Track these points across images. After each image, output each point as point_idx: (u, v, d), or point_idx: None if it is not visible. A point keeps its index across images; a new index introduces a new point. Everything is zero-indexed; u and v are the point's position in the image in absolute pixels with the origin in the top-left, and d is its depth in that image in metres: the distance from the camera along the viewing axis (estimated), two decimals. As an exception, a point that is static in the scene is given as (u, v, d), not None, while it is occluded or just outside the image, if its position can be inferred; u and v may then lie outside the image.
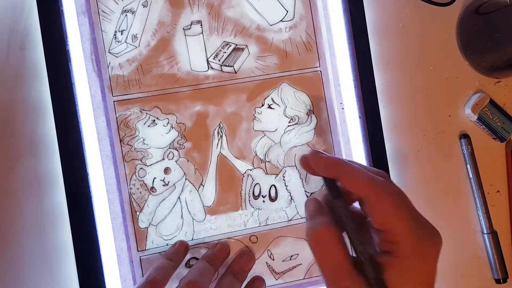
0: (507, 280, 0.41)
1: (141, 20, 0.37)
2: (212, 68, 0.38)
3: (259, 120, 0.38)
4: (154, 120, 0.37)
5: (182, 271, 0.37)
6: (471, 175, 0.42)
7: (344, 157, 0.39)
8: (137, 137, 0.37)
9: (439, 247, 0.29)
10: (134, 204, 0.37)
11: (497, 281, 0.41)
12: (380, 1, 0.41)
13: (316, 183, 0.39)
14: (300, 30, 0.39)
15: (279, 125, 0.39)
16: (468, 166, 0.41)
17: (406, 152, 0.41)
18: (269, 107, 0.39)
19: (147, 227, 0.37)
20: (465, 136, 0.41)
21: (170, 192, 0.37)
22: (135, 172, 0.37)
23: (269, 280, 0.38)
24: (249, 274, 0.38)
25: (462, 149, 0.42)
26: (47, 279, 0.36)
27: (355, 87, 0.39)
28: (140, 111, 0.37)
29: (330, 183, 0.29)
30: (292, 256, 0.39)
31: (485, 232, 0.41)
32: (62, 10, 0.36)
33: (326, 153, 0.30)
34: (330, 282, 0.29)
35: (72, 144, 0.35)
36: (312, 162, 0.30)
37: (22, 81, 0.36)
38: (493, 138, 0.42)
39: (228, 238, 0.38)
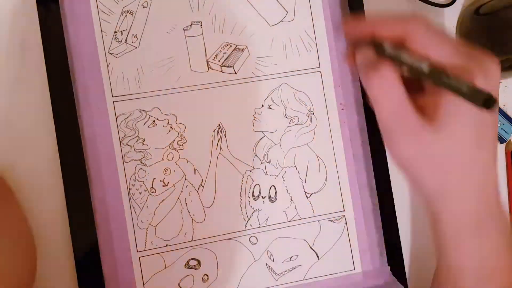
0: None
1: (141, 20, 0.37)
2: (212, 69, 0.38)
3: (259, 121, 0.38)
4: (154, 121, 0.37)
5: (182, 271, 0.37)
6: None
7: (344, 157, 0.39)
8: (137, 137, 0.37)
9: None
10: (134, 204, 0.36)
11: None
12: (380, 1, 0.41)
13: (316, 183, 0.39)
14: (300, 31, 0.39)
15: (279, 125, 0.39)
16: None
17: (406, 153, 0.41)
18: (269, 107, 0.39)
19: (147, 228, 0.37)
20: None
21: (169, 192, 0.37)
22: (135, 172, 0.37)
23: (269, 281, 0.38)
24: (248, 276, 0.38)
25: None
26: (46, 279, 0.36)
27: (355, 88, 0.39)
28: (140, 112, 0.37)
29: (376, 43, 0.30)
30: (292, 257, 0.39)
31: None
32: (62, 10, 0.36)
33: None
34: (394, 125, 0.28)
35: (72, 144, 0.35)
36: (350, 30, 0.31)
37: (22, 81, 0.36)
38: (493, 139, 0.42)
39: (227, 239, 0.38)
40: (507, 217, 0.32)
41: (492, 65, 0.29)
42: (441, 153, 0.28)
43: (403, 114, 0.28)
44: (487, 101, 0.25)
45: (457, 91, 0.26)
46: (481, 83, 0.27)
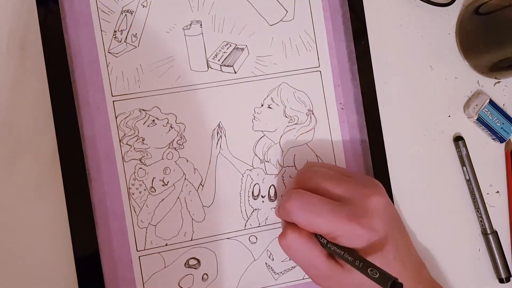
0: (510, 279, 0.42)
1: (140, 20, 0.37)
2: (211, 68, 0.38)
3: (258, 120, 0.38)
4: (153, 120, 0.37)
5: (181, 270, 0.37)
6: (467, 177, 0.42)
7: (344, 157, 0.39)
8: (137, 137, 0.37)
9: (375, 207, 0.33)
10: (133, 204, 0.37)
11: (501, 281, 0.42)
12: (380, 1, 0.41)
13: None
14: (300, 30, 0.39)
15: (279, 125, 0.39)
16: (465, 168, 0.41)
17: (405, 153, 0.41)
18: (269, 107, 0.39)
19: (146, 227, 0.37)
20: (459, 138, 0.41)
21: (169, 192, 0.37)
22: (135, 172, 0.37)
23: (269, 280, 0.38)
24: (247, 275, 0.38)
25: (458, 152, 0.42)
26: (47, 279, 0.36)
27: (354, 87, 0.39)
28: (140, 111, 0.37)
29: None
30: (291, 256, 0.39)
31: (487, 232, 0.41)
32: (62, 10, 0.36)
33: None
34: (314, 276, 0.34)
35: (72, 144, 0.35)
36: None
37: (22, 81, 0.36)
38: (493, 139, 0.42)
39: (227, 238, 0.38)
40: None
41: (373, 203, 0.33)
42: (354, 284, 0.33)
43: (315, 265, 0.33)
44: (393, 285, 0.27)
45: (366, 274, 0.29)
46: (365, 224, 0.32)
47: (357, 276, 0.31)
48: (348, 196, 0.33)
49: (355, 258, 0.30)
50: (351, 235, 0.32)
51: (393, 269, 0.32)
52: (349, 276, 0.32)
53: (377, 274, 0.28)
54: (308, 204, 0.32)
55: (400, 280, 0.27)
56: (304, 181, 0.35)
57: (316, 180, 0.34)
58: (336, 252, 0.32)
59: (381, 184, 0.36)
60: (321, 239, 0.33)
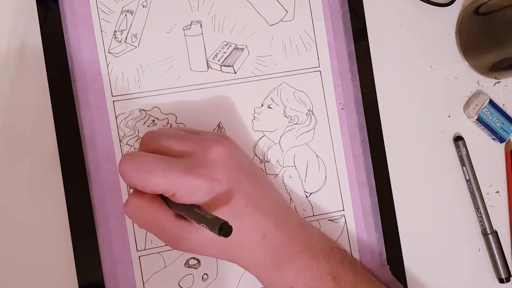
0: (510, 279, 0.42)
1: (140, 20, 0.37)
2: (211, 68, 0.38)
3: (258, 120, 0.38)
4: (153, 120, 0.37)
5: (181, 270, 0.37)
6: (467, 177, 0.42)
7: (344, 156, 0.39)
8: (137, 137, 0.37)
9: (216, 157, 0.31)
10: (134, 204, 0.37)
11: (501, 281, 0.42)
12: (380, 1, 0.41)
13: (316, 182, 0.39)
14: (300, 30, 0.39)
15: (279, 125, 0.39)
16: (465, 168, 0.41)
17: (405, 153, 0.41)
18: (269, 107, 0.39)
19: (147, 227, 0.37)
20: (459, 138, 0.41)
21: (169, 192, 0.37)
22: (135, 172, 0.37)
23: (269, 280, 0.38)
24: (247, 276, 0.38)
25: (458, 152, 0.42)
26: (47, 279, 0.36)
27: (354, 87, 0.39)
28: (140, 111, 0.37)
29: None
30: (291, 256, 0.39)
31: (487, 232, 0.41)
32: (62, 10, 0.36)
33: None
34: (166, 240, 0.32)
35: (72, 144, 0.35)
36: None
37: (22, 81, 0.36)
38: (493, 139, 0.42)
39: (227, 238, 0.38)
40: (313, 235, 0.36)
41: (212, 153, 0.32)
42: (208, 241, 0.32)
43: (164, 227, 0.31)
44: (223, 229, 0.26)
45: (204, 224, 0.28)
46: (203, 174, 0.30)
47: (207, 231, 0.29)
48: (190, 151, 0.31)
49: (194, 211, 0.29)
50: (189, 188, 0.30)
51: (248, 217, 0.31)
52: (199, 231, 0.31)
53: (210, 220, 0.27)
54: (141, 164, 0.30)
55: (256, 226, 0.27)
56: (147, 143, 0.33)
57: (158, 139, 0.32)
58: (179, 209, 0.30)
59: (230, 138, 0.34)
60: (166, 200, 0.31)
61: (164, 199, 0.32)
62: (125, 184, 0.36)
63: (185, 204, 0.30)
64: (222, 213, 0.30)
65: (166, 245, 0.37)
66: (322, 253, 0.34)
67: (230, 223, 0.27)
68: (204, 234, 0.31)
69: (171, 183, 0.30)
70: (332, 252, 0.35)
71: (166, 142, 0.32)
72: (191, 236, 0.31)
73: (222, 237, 0.26)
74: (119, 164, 0.31)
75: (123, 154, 0.36)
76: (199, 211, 0.29)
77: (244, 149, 0.38)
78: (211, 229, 0.27)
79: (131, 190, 0.36)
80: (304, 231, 0.35)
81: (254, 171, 0.34)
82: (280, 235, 0.33)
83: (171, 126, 0.37)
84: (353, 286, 0.34)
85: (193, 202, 0.30)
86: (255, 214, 0.32)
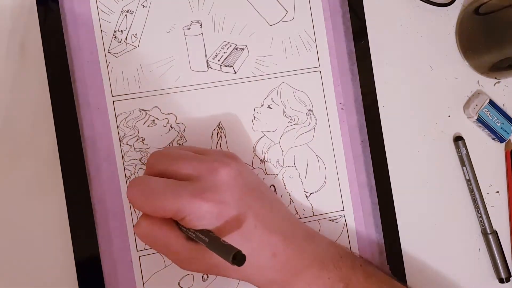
0: (510, 279, 0.42)
1: (140, 20, 0.37)
2: (211, 68, 0.38)
3: (258, 120, 0.38)
4: (153, 120, 0.37)
5: (181, 270, 0.37)
6: (467, 177, 0.42)
7: (343, 156, 0.39)
8: (137, 137, 0.37)
9: (224, 180, 0.31)
10: (134, 204, 0.37)
11: (501, 281, 0.42)
12: (380, 1, 0.41)
13: (316, 182, 0.39)
14: (300, 30, 0.39)
15: (279, 125, 0.39)
16: (465, 168, 0.41)
17: (405, 153, 0.41)
18: (269, 107, 0.39)
19: (147, 227, 0.37)
20: (459, 138, 0.41)
21: (169, 192, 0.37)
22: (135, 172, 0.37)
23: (269, 280, 0.38)
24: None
25: (457, 152, 0.42)
26: (47, 279, 0.36)
27: (354, 87, 0.39)
28: (140, 111, 0.37)
29: None
30: (291, 256, 0.39)
31: (487, 232, 0.41)
32: (62, 10, 0.36)
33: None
34: (178, 261, 0.32)
35: (72, 144, 0.35)
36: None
37: (22, 81, 0.36)
38: (493, 139, 0.42)
39: (227, 238, 0.38)
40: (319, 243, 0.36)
41: (220, 176, 0.31)
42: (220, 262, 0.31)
43: (175, 250, 0.31)
44: (236, 257, 0.27)
45: (215, 252, 0.28)
46: (211, 198, 0.30)
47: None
48: (197, 174, 0.31)
49: (204, 236, 0.29)
50: (198, 213, 0.30)
51: (258, 237, 0.31)
52: (210, 253, 0.30)
53: (223, 248, 0.27)
54: (149, 189, 0.30)
55: (266, 245, 0.27)
56: (153, 164, 0.33)
57: (165, 161, 0.32)
58: (189, 233, 0.30)
59: (237, 156, 0.34)
60: (177, 223, 0.32)
61: (175, 221, 0.32)
62: (125, 184, 0.36)
63: (196, 229, 0.30)
64: (232, 237, 0.30)
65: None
66: (332, 262, 0.35)
67: (241, 246, 0.27)
68: (214, 255, 0.31)
69: (179, 207, 0.30)
70: (342, 259, 0.35)
71: (173, 165, 0.32)
72: (202, 258, 0.31)
73: (236, 266, 0.27)
74: (127, 190, 0.31)
75: (130, 180, 0.35)
76: (211, 238, 0.29)
77: (244, 149, 0.38)
78: (224, 257, 0.27)
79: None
80: (312, 243, 0.35)
81: (261, 189, 0.35)
82: (289, 251, 0.33)
83: (171, 126, 0.37)
84: None
85: (202, 227, 0.30)
86: (265, 234, 0.32)
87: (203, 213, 0.30)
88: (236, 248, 0.27)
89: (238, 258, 0.27)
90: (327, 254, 0.35)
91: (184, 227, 0.31)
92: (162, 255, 0.33)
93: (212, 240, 0.29)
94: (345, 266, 0.35)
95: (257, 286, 0.34)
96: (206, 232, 0.30)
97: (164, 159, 0.32)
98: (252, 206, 0.32)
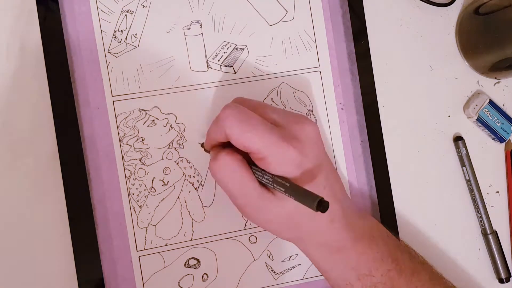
0: (510, 279, 0.42)
1: (140, 20, 0.37)
2: (211, 68, 0.38)
3: (258, 120, 0.38)
4: (153, 120, 0.37)
5: (181, 270, 0.37)
6: (467, 177, 0.42)
7: (344, 157, 0.39)
8: (137, 137, 0.37)
9: (308, 134, 0.32)
10: (133, 204, 0.37)
11: (501, 281, 0.42)
12: (380, 1, 0.41)
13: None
14: (300, 30, 0.39)
15: (279, 125, 0.39)
16: (464, 168, 0.41)
17: (405, 153, 0.41)
18: (269, 107, 0.39)
19: (146, 227, 0.37)
20: (459, 138, 0.41)
21: (169, 192, 0.37)
22: (134, 172, 0.37)
23: (269, 280, 0.38)
24: (247, 275, 0.38)
25: (457, 152, 0.42)
26: (47, 279, 0.36)
27: (354, 87, 0.39)
28: (140, 111, 0.37)
29: None
30: (291, 256, 0.39)
31: (487, 232, 0.41)
32: (62, 10, 0.36)
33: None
34: (241, 202, 0.32)
35: (72, 144, 0.35)
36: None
37: (22, 81, 0.36)
38: (493, 139, 0.42)
39: (227, 238, 0.38)
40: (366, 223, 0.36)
41: (305, 130, 0.32)
42: (284, 214, 0.32)
43: (246, 192, 0.31)
44: (320, 205, 0.27)
45: (295, 197, 0.28)
46: (298, 147, 0.31)
47: (288, 205, 0.31)
48: (283, 122, 0.32)
49: (283, 181, 0.29)
50: (282, 156, 0.30)
51: (325, 198, 0.32)
52: (279, 204, 0.31)
53: (307, 194, 0.28)
54: (244, 116, 0.31)
55: (328, 209, 0.27)
56: (242, 102, 0.33)
57: (253, 103, 0.33)
58: (264, 178, 0.30)
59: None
60: (252, 167, 0.32)
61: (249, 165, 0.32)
62: (125, 184, 0.36)
63: (274, 174, 0.30)
64: None
65: (168, 240, 0.37)
66: (381, 238, 0.36)
67: None
68: (283, 209, 0.31)
69: (267, 144, 0.30)
70: (389, 237, 0.37)
71: (260, 107, 0.33)
72: (270, 207, 0.31)
73: (320, 212, 0.27)
74: (223, 109, 0.31)
75: (226, 104, 0.33)
76: (291, 184, 0.29)
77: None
78: (306, 204, 0.27)
79: (133, 190, 0.36)
80: (364, 218, 0.36)
81: (328, 157, 0.36)
82: (344, 221, 0.34)
83: (171, 126, 0.37)
84: (411, 268, 0.36)
85: (280, 173, 0.30)
86: (330, 197, 0.32)
87: (286, 158, 0.30)
88: (319, 196, 0.27)
89: (323, 204, 0.27)
90: (377, 230, 0.36)
91: (260, 171, 0.31)
92: (228, 197, 0.33)
93: (293, 186, 0.29)
94: (393, 244, 0.36)
95: (306, 252, 0.35)
96: (284, 178, 0.30)
97: (251, 101, 0.33)
98: (325, 168, 0.33)
